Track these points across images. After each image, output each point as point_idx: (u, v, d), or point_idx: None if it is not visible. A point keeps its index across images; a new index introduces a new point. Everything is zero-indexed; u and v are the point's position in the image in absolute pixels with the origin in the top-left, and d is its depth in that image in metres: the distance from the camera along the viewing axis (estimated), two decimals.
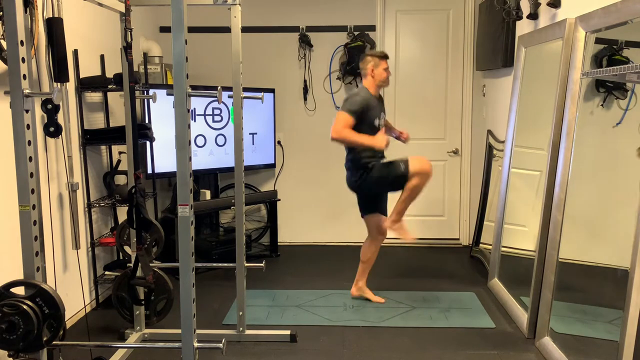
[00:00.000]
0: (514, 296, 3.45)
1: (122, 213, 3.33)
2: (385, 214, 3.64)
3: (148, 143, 3.84)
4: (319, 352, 2.95)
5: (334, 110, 4.91)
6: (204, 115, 4.35)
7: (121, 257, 3.69)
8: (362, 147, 3.35)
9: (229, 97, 3.53)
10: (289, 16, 4.84)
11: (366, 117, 3.35)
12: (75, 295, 3.22)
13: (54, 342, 1.77)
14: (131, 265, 2.59)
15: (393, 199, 3.53)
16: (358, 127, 3.32)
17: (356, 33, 4.79)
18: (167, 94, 1.91)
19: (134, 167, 2.40)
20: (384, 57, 3.49)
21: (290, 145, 5.02)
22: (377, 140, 3.32)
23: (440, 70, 4.92)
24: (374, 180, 3.40)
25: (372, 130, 3.40)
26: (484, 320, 3.34)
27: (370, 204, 3.59)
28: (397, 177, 3.35)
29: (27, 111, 1.66)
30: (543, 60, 3.41)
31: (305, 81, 4.90)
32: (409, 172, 3.31)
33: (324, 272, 4.29)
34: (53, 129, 1.87)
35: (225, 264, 3.45)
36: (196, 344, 1.93)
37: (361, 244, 3.73)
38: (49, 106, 1.82)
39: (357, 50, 4.70)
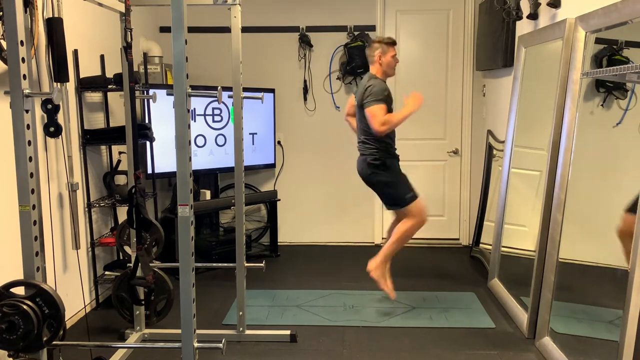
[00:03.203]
0: (514, 296, 3.44)
1: (122, 213, 3.33)
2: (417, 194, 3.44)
3: (148, 143, 3.84)
4: (319, 352, 2.95)
5: (334, 110, 4.92)
6: (204, 115, 4.35)
7: (121, 257, 3.69)
8: (407, 118, 3.24)
9: (229, 97, 3.52)
10: (289, 16, 4.84)
11: (387, 104, 3.30)
12: (75, 295, 3.22)
13: (54, 342, 1.77)
14: (131, 265, 2.59)
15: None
16: None
17: (356, 33, 4.79)
18: (167, 94, 1.91)
19: (134, 167, 2.40)
20: (392, 43, 3.38)
21: (290, 145, 5.02)
22: (413, 101, 3.23)
23: (440, 70, 4.92)
24: (382, 180, 3.35)
25: None
26: (484, 320, 3.34)
27: (401, 189, 3.37)
28: (396, 196, 3.35)
29: (27, 111, 1.66)
30: (543, 60, 3.41)
31: (305, 81, 4.90)
32: (408, 206, 3.32)
33: (324, 272, 4.29)
34: (53, 129, 1.87)
35: (225, 264, 3.45)
36: (196, 344, 1.93)
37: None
38: (49, 106, 1.82)
39: (357, 50, 4.70)
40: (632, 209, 2.22)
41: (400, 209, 3.38)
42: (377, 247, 4.93)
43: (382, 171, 3.37)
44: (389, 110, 3.32)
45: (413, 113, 3.29)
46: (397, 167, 3.43)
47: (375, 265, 3.45)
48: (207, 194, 4.46)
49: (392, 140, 3.44)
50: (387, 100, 3.28)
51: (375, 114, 3.21)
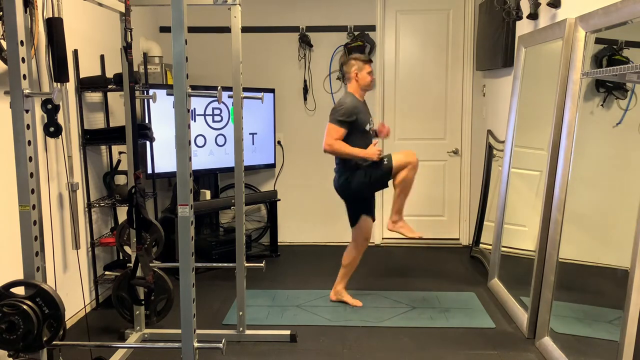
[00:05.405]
0: (514, 296, 3.44)
1: (122, 213, 3.32)
2: (373, 216, 3.60)
3: (148, 143, 3.84)
4: (319, 352, 2.95)
5: None
6: (204, 115, 4.35)
7: (121, 257, 3.69)
8: (356, 158, 3.34)
9: (229, 97, 3.52)
10: (289, 16, 4.84)
11: (356, 124, 3.34)
12: (75, 295, 3.22)
13: (54, 342, 1.77)
14: (131, 265, 2.59)
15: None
16: (350, 135, 3.33)
17: (356, 33, 4.79)
18: (167, 94, 1.91)
19: (134, 167, 2.40)
20: (368, 61, 3.48)
21: (290, 145, 5.01)
22: (369, 152, 3.33)
23: (440, 70, 4.92)
24: (361, 181, 3.37)
25: (364, 136, 3.40)
26: (484, 320, 3.34)
27: (359, 208, 3.52)
28: (382, 174, 3.37)
29: (27, 111, 1.66)
30: (543, 60, 3.41)
31: (305, 81, 4.90)
32: (393, 167, 3.34)
33: (324, 272, 4.28)
34: (53, 129, 1.87)
35: (225, 264, 3.45)
36: (196, 344, 1.93)
37: None
38: (49, 106, 1.82)
39: (357, 50, 4.70)
40: None
41: (389, 170, 3.38)
42: (376, 247, 4.95)
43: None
44: (356, 128, 3.35)
45: (363, 157, 3.33)
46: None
47: (392, 223, 3.52)
48: (207, 194, 4.46)
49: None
50: (350, 122, 3.30)
51: (330, 133, 3.32)
